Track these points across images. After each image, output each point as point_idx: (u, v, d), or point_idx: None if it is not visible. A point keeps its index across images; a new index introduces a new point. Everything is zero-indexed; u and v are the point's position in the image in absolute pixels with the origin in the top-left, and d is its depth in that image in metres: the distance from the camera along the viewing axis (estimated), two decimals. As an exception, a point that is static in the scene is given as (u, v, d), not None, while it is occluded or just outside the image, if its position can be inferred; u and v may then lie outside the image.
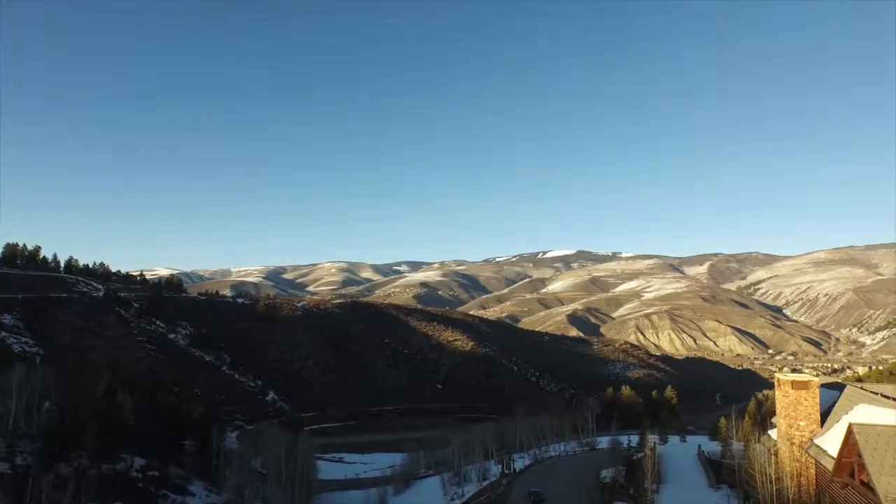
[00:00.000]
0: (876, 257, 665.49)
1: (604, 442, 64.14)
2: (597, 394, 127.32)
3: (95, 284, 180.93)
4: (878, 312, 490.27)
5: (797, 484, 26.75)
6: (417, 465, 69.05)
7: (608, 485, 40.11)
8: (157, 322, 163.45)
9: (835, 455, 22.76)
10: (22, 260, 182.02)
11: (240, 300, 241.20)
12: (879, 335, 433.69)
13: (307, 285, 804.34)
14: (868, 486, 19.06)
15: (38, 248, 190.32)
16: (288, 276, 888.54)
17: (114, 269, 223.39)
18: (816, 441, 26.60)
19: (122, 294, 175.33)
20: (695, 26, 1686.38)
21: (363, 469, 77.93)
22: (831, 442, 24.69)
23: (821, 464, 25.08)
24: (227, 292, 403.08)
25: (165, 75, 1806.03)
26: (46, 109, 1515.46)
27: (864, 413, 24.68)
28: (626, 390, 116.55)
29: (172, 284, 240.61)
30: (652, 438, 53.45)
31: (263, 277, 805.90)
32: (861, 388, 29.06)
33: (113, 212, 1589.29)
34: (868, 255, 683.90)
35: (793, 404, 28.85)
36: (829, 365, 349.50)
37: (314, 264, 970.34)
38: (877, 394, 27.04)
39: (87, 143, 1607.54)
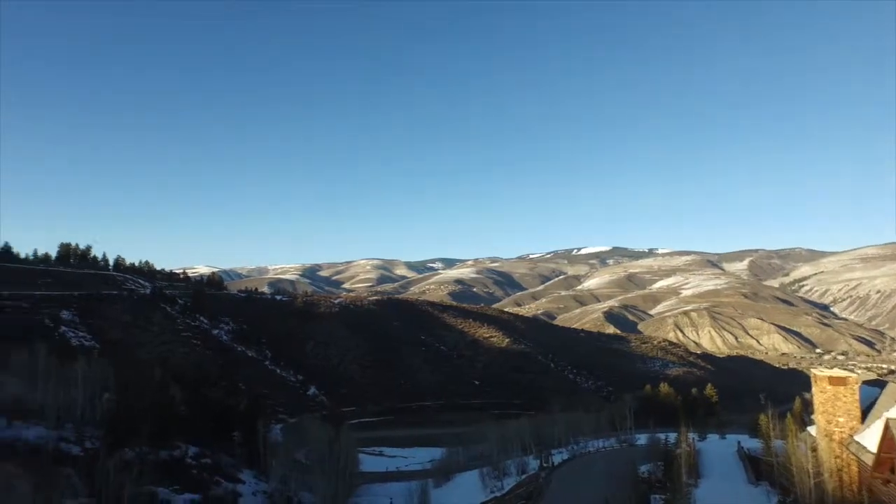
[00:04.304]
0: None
1: (642, 438, 63.94)
2: (634, 391, 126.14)
3: (142, 282, 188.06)
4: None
5: (838, 479, 26.87)
6: (457, 459, 70.14)
7: (645, 479, 40.49)
8: (201, 318, 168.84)
9: (875, 451, 22.94)
10: (75, 259, 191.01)
11: (278, 297, 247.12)
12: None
13: (343, 282, 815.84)
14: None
15: (88, 248, 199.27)
16: (324, 273, 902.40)
17: (157, 268, 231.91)
18: (857, 437, 26.67)
19: (168, 291, 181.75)
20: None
21: (403, 462, 79.47)
22: (871, 438, 24.82)
23: (861, 460, 25.18)
24: (266, 289, 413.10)
25: (197, 75, 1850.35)
26: (88, 116, 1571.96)
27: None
28: (664, 387, 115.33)
29: (214, 282, 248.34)
30: (690, 435, 53.33)
31: (300, 275, 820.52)
32: (909, 384, 28.89)
33: (152, 210, 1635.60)
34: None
35: (830, 400, 28.97)
36: (885, 366, 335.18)
37: (349, 262, 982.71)
38: (919, 390, 26.93)
39: (128, 149, 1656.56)
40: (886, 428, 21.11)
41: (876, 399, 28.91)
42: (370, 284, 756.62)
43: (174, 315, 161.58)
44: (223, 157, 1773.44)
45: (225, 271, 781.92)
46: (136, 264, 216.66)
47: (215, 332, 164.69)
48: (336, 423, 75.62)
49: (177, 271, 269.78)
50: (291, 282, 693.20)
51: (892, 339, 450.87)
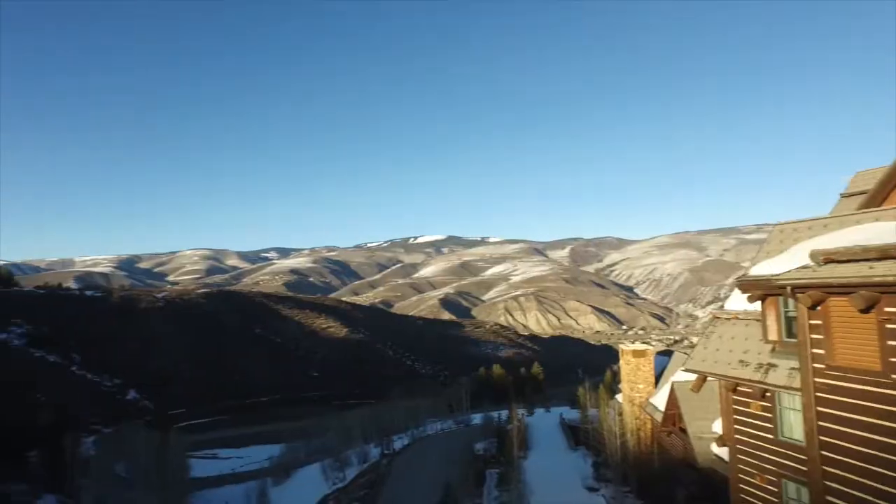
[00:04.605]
0: (705, 241, 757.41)
1: (477, 418, 68.08)
2: (470, 374, 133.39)
3: None
4: (708, 289, 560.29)
5: (637, 437, 31.55)
6: (297, 455, 68.70)
7: (481, 455, 43.52)
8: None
9: (663, 409, 27.41)
10: None
11: (88, 293, 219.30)
12: (709, 309, 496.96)
13: (167, 274, 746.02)
14: (684, 430, 23.44)
15: None
16: (144, 265, 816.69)
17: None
18: (651, 400, 31.53)
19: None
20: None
21: (239, 463, 75.93)
22: (661, 399, 29.55)
23: (654, 418, 29.85)
24: (72, 284, 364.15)
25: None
26: None
27: (685, 374, 29.75)
28: (496, 369, 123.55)
29: None
30: (520, 411, 58.19)
31: (115, 267, 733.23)
32: (685, 353, 34.63)
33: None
34: (699, 238, 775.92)
35: (633, 370, 33.99)
36: (672, 337, 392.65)
37: (174, 252, 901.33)
38: (696, 358, 32.62)
39: None
40: (671, 390, 25.26)
41: (665, 367, 34.41)
42: (199, 276, 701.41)
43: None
44: (20, 137, 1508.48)
45: (16, 265, 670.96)
46: None
47: (2, 336, 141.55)
48: (163, 429, 69.84)
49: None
50: (105, 275, 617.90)
51: (678, 314, 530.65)
